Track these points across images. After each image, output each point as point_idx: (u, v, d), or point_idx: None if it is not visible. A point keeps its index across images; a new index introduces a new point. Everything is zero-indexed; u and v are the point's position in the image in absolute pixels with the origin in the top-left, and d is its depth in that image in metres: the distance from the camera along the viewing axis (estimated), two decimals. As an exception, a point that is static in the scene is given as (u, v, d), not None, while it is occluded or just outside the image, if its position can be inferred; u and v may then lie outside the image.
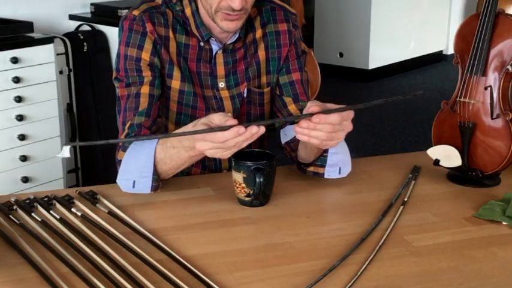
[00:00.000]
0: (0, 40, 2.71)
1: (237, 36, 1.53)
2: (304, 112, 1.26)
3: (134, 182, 1.37)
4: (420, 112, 4.76)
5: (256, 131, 1.17)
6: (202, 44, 1.53)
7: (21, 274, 1.10)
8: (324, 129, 1.24)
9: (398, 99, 1.23)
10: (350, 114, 1.26)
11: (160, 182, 1.39)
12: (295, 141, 1.51)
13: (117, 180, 1.40)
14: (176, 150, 1.33)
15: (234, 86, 1.57)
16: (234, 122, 1.18)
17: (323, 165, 1.45)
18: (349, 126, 1.28)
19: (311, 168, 1.47)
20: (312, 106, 1.24)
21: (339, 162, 1.46)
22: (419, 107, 4.89)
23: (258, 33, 1.58)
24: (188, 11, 1.52)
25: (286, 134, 1.54)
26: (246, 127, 1.17)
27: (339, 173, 1.47)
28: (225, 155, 1.24)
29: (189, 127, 1.29)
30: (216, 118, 1.21)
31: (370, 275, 1.11)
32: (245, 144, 1.22)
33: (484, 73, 1.47)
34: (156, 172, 1.37)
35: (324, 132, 1.24)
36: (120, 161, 1.43)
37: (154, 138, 1.36)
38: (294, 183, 1.50)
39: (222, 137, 1.18)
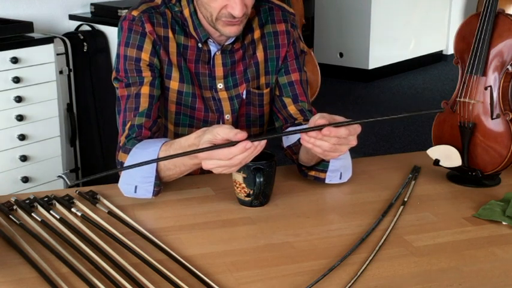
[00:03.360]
0: (0, 40, 2.71)
1: (239, 33, 1.52)
2: (311, 125, 1.26)
3: (136, 187, 1.37)
4: (420, 112, 4.77)
5: (258, 143, 1.17)
6: (200, 45, 1.52)
7: (21, 274, 1.10)
8: (330, 141, 1.24)
9: (417, 114, 1.22)
10: (357, 129, 1.26)
11: (161, 186, 1.39)
12: (297, 145, 1.51)
13: (118, 185, 1.40)
14: (181, 157, 1.32)
15: (232, 87, 1.57)
16: (244, 135, 1.16)
17: (324, 171, 1.45)
18: (353, 141, 1.28)
19: (312, 173, 1.48)
20: (319, 119, 1.24)
21: (341, 167, 1.46)
22: (419, 107, 4.89)
23: (256, 33, 1.58)
24: (186, 12, 1.52)
25: (288, 137, 1.54)
26: (252, 141, 1.16)
27: (340, 178, 1.47)
28: (232, 170, 1.23)
29: (192, 137, 1.28)
30: (222, 132, 1.18)
31: (370, 275, 1.11)
32: (250, 159, 1.21)
33: (484, 73, 1.47)
34: (158, 177, 1.37)
35: (328, 144, 1.25)
36: (121, 162, 1.43)
37: (153, 162, 1.33)
38: (294, 183, 1.50)
39: (229, 153, 1.16)
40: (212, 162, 1.20)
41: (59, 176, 1.10)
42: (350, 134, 1.25)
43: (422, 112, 1.23)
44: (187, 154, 1.20)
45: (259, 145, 1.17)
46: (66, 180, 1.10)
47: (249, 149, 1.16)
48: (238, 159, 1.18)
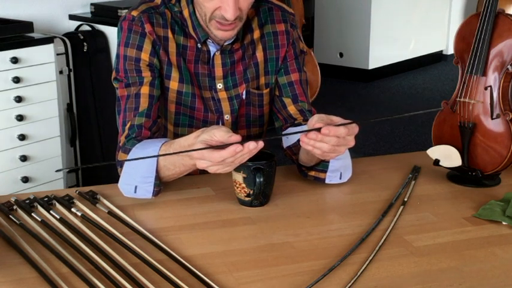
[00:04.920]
0: (0, 40, 2.71)
1: (234, 37, 1.53)
2: (309, 126, 1.26)
3: (136, 187, 1.37)
4: (420, 112, 4.76)
5: (254, 146, 1.16)
6: (199, 45, 1.52)
7: (21, 274, 1.10)
8: (330, 142, 1.24)
9: (411, 115, 1.23)
10: (355, 129, 1.27)
11: (161, 186, 1.39)
12: (296, 146, 1.51)
13: (118, 185, 1.40)
14: (180, 157, 1.32)
15: (232, 88, 1.57)
16: (237, 138, 1.16)
17: (324, 171, 1.45)
18: (351, 142, 1.28)
19: (312, 173, 1.48)
20: (317, 122, 1.24)
21: (340, 167, 1.46)
22: (419, 107, 4.89)
23: (256, 34, 1.58)
24: (186, 13, 1.52)
25: (288, 138, 1.54)
26: (243, 144, 1.16)
27: (340, 178, 1.47)
28: (227, 170, 1.23)
29: (191, 137, 1.28)
30: (218, 134, 1.19)
31: (370, 275, 1.11)
32: (244, 160, 1.21)
33: (484, 73, 1.47)
34: (158, 177, 1.37)
35: (328, 145, 1.25)
36: (121, 162, 1.43)
37: (153, 157, 1.33)
38: (294, 183, 1.50)
39: (219, 156, 1.17)
40: (205, 162, 1.21)
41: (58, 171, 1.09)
42: (348, 133, 1.25)
43: (420, 112, 1.23)
44: (180, 153, 1.21)
45: (255, 148, 1.17)
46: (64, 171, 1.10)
47: (239, 152, 1.16)
48: (230, 161, 1.18)
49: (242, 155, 1.18)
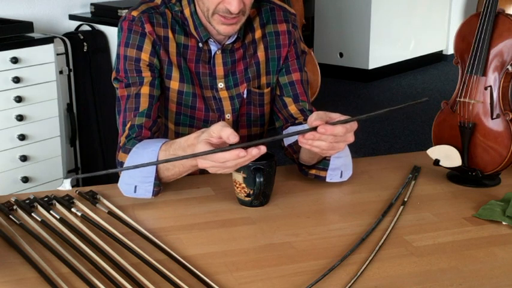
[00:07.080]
0: (0, 40, 2.71)
1: (235, 36, 1.53)
2: (309, 125, 1.26)
3: (136, 187, 1.37)
4: (420, 112, 4.77)
5: (257, 153, 1.15)
6: (201, 44, 1.53)
7: (21, 274, 1.10)
8: (327, 140, 1.24)
9: (402, 108, 1.22)
10: (354, 126, 1.26)
11: (161, 186, 1.39)
12: (297, 144, 1.50)
13: (118, 184, 1.40)
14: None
15: (233, 87, 1.57)
16: (235, 139, 1.15)
17: (325, 169, 1.45)
18: (351, 138, 1.27)
19: (313, 171, 1.47)
20: (315, 120, 1.24)
21: (341, 166, 1.46)
22: (419, 107, 4.89)
23: (257, 33, 1.58)
24: (187, 12, 1.52)
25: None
26: (246, 149, 1.15)
27: (341, 176, 1.47)
28: (227, 171, 1.23)
29: (191, 137, 1.28)
30: (215, 129, 1.17)
31: (370, 275, 1.11)
32: (245, 163, 1.20)
33: (484, 73, 1.47)
34: (157, 177, 1.37)
35: (326, 143, 1.24)
36: (121, 162, 1.43)
37: (153, 164, 1.33)
38: (294, 183, 1.50)
39: (222, 158, 1.16)
40: (207, 162, 1.21)
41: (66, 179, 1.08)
42: (347, 131, 1.24)
43: (406, 104, 1.23)
44: (184, 158, 1.21)
45: (257, 154, 1.15)
46: (68, 185, 1.10)
47: (242, 157, 1.15)
48: (231, 164, 1.18)
49: (243, 161, 1.17)
